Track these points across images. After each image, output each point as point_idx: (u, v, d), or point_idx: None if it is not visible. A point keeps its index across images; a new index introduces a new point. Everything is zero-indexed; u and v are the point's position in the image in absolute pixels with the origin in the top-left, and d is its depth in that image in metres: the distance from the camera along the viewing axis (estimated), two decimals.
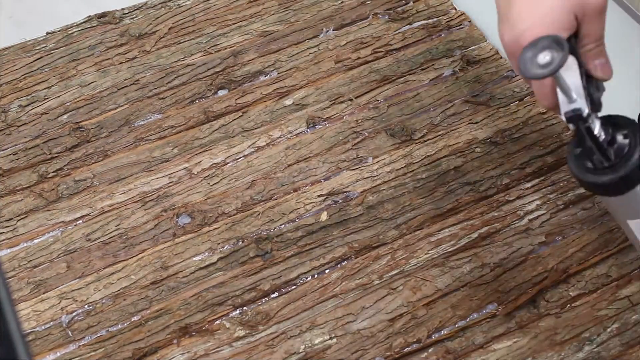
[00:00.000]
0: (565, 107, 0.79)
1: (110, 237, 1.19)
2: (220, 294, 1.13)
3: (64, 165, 1.28)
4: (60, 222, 1.21)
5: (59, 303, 1.13)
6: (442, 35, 1.44)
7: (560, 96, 0.79)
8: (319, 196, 1.23)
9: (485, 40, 1.43)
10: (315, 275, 1.15)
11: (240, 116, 1.33)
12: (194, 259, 1.17)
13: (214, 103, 1.35)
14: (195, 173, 1.26)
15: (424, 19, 1.47)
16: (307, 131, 1.31)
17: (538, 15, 0.79)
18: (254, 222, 1.20)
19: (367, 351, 1.07)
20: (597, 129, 0.78)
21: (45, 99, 1.36)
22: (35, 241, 1.19)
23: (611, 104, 1.22)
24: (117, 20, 1.48)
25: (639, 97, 1.12)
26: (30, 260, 1.17)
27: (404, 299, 1.11)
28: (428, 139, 1.29)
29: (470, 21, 1.46)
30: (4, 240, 1.19)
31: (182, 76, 1.39)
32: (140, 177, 1.26)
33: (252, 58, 1.41)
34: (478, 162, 1.26)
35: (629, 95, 1.14)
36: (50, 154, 1.29)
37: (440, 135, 1.30)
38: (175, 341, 1.09)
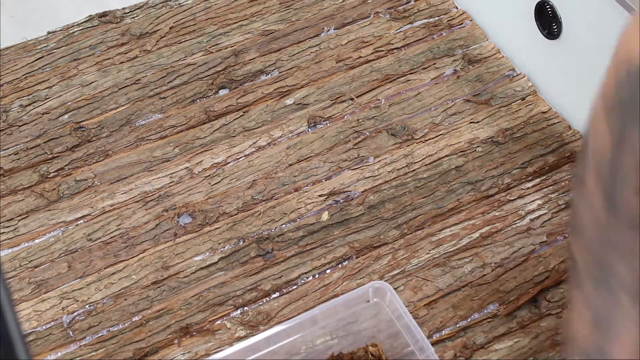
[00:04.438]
0: None
1: (111, 237, 1.19)
2: (221, 294, 1.13)
3: (65, 165, 1.28)
4: (61, 222, 1.21)
5: (60, 303, 1.13)
6: (444, 34, 1.44)
7: None
8: (320, 196, 1.23)
9: (487, 39, 1.43)
10: (317, 275, 1.15)
11: (241, 115, 1.33)
12: (195, 258, 1.17)
13: (215, 102, 1.35)
14: (196, 173, 1.26)
15: (425, 18, 1.47)
16: (308, 130, 1.31)
17: None
18: (255, 221, 1.20)
19: None
20: None
21: (46, 98, 1.36)
22: (36, 241, 1.19)
23: None
24: (118, 20, 1.48)
25: None
26: (31, 260, 1.17)
27: (405, 299, 1.11)
28: (429, 139, 1.29)
29: (471, 20, 1.46)
30: (4, 240, 1.19)
31: (183, 75, 1.39)
32: (141, 176, 1.26)
33: (253, 57, 1.41)
34: (479, 161, 1.26)
35: None
36: (51, 153, 1.29)
37: (441, 134, 1.30)
38: (176, 341, 1.09)
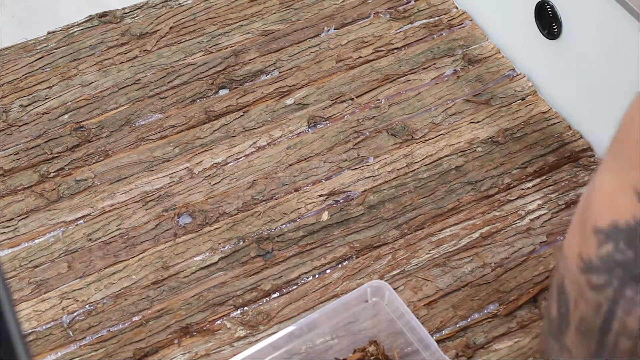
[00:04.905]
0: None
1: (111, 237, 1.19)
2: (221, 294, 1.13)
3: (65, 165, 1.28)
4: (61, 222, 1.21)
5: (60, 303, 1.13)
6: (444, 34, 1.44)
7: None
8: (320, 196, 1.23)
9: (487, 39, 1.43)
10: (317, 275, 1.15)
11: (241, 116, 1.33)
12: (195, 258, 1.17)
13: (215, 102, 1.35)
14: (196, 173, 1.26)
15: (425, 18, 1.47)
16: (308, 131, 1.31)
17: None
18: (255, 221, 1.20)
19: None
20: None
21: (46, 98, 1.36)
22: (37, 241, 1.19)
23: (612, 104, 1.22)
24: (118, 20, 1.48)
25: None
26: (32, 260, 1.17)
27: (405, 299, 1.11)
28: (429, 139, 1.29)
29: (471, 20, 1.46)
30: (5, 240, 1.19)
31: (183, 76, 1.39)
32: (141, 176, 1.26)
33: (253, 57, 1.41)
34: (479, 161, 1.26)
35: (628, 95, 1.14)
36: (51, 153, 1.29)
37: (441, 134, 1.30)
38: (176, 341, 1.09)
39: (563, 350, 0.67)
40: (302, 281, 1.14)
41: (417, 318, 1.09)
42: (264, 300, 1.13)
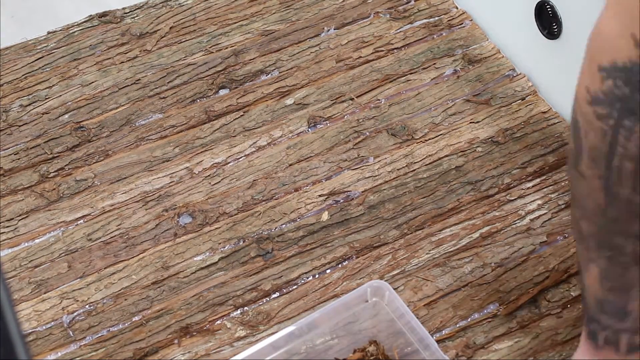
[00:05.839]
0: None
1: (111, 237, 1.19)
2: (221, 294, 1.13)
3: (65, 165, 1.28)
4: (61, 222, 1.21)
5: (60, 303, 1.13)
6: (444, 34, 1.44)
7: None
8: (320, 196, 1.23)
9: (487, 39, 1.43)
10: (317, 275, 1.15)
11: (241, 115, 1.33)
12: (195, 258, 1.17)
13: (215, 102, 1.35)
14: (197, 173, 1.26)
15: (425, 18, 1.47)
16: (308, 130, 1.31)
17: None
18: (255, 221, 1.20)
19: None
20: None
21: (47, 98, 1.36)
22: (36, 241, 1.19)
23: None
24: (118, 20, 1.48)
25: None
26: (31, 260, 1.17)
27: (405, 299, 1.11)
28: (429, 139, 1.29)
29: (471, 20, 1.46)
30: (5, 240, 1.19)
31: (183, 75, 1.39)
32: (142, 176, 1.26)
33: (253, 57, 1.41)
34: (479, 161, 1.26)
35: None
36: (51, 153, 1.29)
37: (441, 134, 1.30)
38: (176, 341, 1.09)
39: (579, 177, 0.78)
40: (302, 281, 1.14)
41: (417, 318, 1.09)
42: (264, 300, 1.13)
